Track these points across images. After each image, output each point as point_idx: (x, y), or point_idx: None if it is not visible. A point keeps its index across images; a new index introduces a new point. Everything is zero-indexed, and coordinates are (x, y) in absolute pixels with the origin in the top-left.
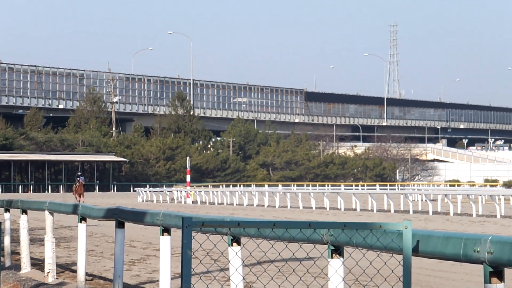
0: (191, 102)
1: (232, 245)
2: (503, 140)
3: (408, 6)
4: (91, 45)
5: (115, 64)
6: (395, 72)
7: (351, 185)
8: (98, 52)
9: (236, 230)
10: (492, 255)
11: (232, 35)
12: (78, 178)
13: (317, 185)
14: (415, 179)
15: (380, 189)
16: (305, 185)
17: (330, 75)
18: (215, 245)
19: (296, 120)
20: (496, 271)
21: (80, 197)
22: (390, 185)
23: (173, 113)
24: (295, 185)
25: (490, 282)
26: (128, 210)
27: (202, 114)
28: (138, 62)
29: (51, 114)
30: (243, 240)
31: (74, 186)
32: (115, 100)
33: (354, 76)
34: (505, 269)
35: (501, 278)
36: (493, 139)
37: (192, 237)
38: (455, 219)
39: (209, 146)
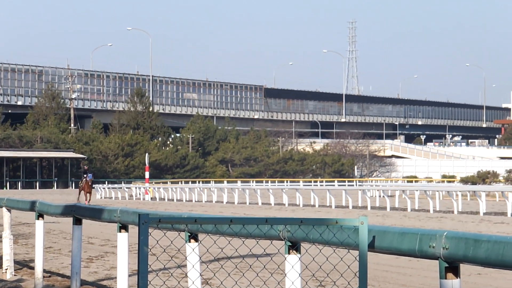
0: (150, 98)
1: (189, 242)
2: (460, 136)
3: (367, 3)
4: (50, 42)
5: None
6: (353, 68)
7: (310, 181)
8: (57, 48)
9: (193, 226)
10: (448, 250)
11: (191, 31)
12: (84, 175)
13: (276, 181)
14: (373, 175)
15: (339, 185)
16: (264, 181)
17: (289, 71)
18: (171, 242)
19: (255, 117)
20: (451, 267)
21: (87, 195)
22: (349, 181)
23: (132, 109)
24: (254, 182)
25: (445, 278)
26: (86, 207)
27: (161, 111)
28: (97, 58)
29: (9, 111)
30: (200, 236)
31: (80, 183)
32: (73, 96)
33: (313, 73)
34: (461, 264)
35: (456, 273)
36: (450, 135)
37: (149, 234)
38: (412, 215)
39: (168, 142)
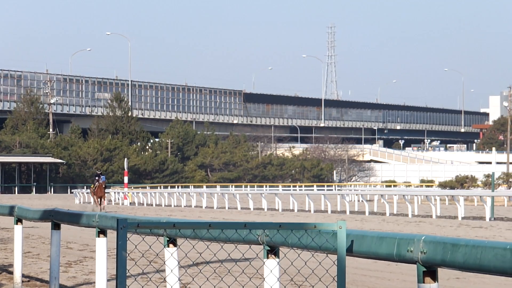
0: (129, 103)
1: (168, 246)
2: (439, 141)
3: (346, 8)
4: (28, 46)
5: (53, 65)
6: (332, 73)
7: (289, 186)
8: (36, 53)
9: (172, 231)
10: (426, 255)
11: (170, 36)
12: (97, 178)
13: (255, 186)
14: (352, 180)
15: (318, 189)
16: (243, 186)
17: (269, 76)
18: (150, 246)
19: (235, 121)
20: (429, 271)
21: (100, 200)
22: (328, 186)
23: (111, 114)
24: (233, 186)
25: (423, 282)
26: (64, 211)
27: (140, 115)
28: (76, 63)
29: None
30: (179, 241)
31: (92, 187)
32: (52, 101)
33: (292, 78)
34: (439, 269)
35: (434, 278)
36: (429, 140)
37: (128, 239)
38: (391, 219)
39: (147, 147)
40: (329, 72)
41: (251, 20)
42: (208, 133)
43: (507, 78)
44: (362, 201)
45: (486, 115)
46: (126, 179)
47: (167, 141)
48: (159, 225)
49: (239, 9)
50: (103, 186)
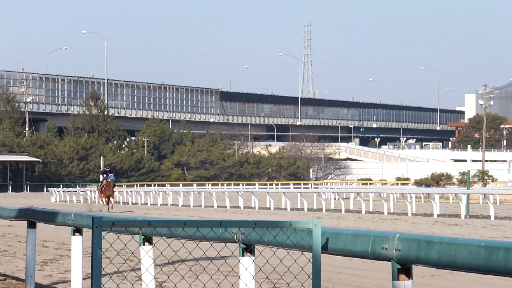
0: (106, 101)
1: (143, 245)
2: (414, 139)
3: (322, 7)
4: (4, 45)
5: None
6: (309, 72)
7: (266, 184)
8: (12, 51)
9: (147, 229)
10: (400, 252)
11: (146, 34)
12: (105, 175)
13: (232, 184)
14: (329, 178)
15: (294, 188)
16: (219, 184)
17: (245, 75)
18: (125, 245)
19: (211, 120)
20: (404, 268)
21: (108, 199)
22: (304, 184)
23: (87, 112)
24: (209, 185)
25: (398, 279)
26: (40, 210)
27: (116, 114)
28: (52, 61)
29: None
30: (155, 239)
31: (99, 186)
32: (28, 100)
33: (269, 76)
34: (414, 266)
35: (409, 275)
36: (404, 138)
37: (103, 237)
38: (367, 217)
39: (123, 146)
40: (306, 70)
41: (227, 19)
42: (184, 131)
43: (483, 77)
44: (338, 199)
45: (462, 113)
46: (102, 178)
47: (144, 139)
48: (135, 224)
49: (216, 8)
50: (112, 185)
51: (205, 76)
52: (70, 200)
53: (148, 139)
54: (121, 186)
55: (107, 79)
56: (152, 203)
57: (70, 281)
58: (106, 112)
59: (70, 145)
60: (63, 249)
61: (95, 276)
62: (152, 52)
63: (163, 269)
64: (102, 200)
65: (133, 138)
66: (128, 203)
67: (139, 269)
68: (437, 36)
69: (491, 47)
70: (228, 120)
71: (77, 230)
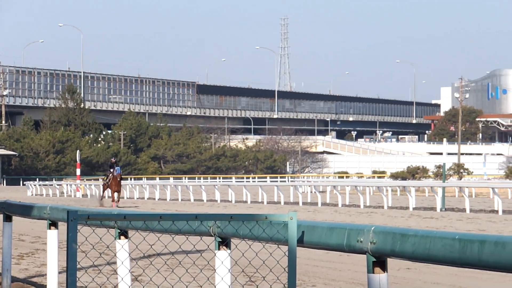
0: (82, 95)
1: (119, 238)
2: (390, 132)
3: (299, 0)
4: None
5: (5, 57)
6: (286, 65)
7: (242, 178)
8: None
9: (123, 223)
10: (375, 245)
11: (123, 27)
12: (111, 169)
13: (209, 177)
14: (305, 171)
15: (271, 181)
16: (196, 178)
17: (222, 68)
18: (100, 238)
19: (188, 113)
20: (379, 261)
21: (114, 194)
22: (281, 177)
23: (63, 106)
24: (186, 178)
25: (373, 272)
26: (16, 203)
27: (92, 107)
28: (28, 55)
29: None
30: (130, 233)
31: (105, 179)
32: (5, 93)
33: (245, 69)
34: (389, 259)
35: (384, 268)
36: (381, 131)
37: (78, 231)
38: (343, 210)
39: (99, 139)
40: (282, 63)
41: (204, 12)
42: (161, 124)
43: (459, 70)
44: (314, 192)
45: (438, 106)
46: (78, 171)
47: (120, 132)
48: (110, 217)
49: (193, 1)
50: (119, 179)
51: (182, 69)
52: (46, 193)
53: (125, 132)
54: (97, 179)
55: (84, 72)
56: (128, 197)
57: (46, 274)
58: (82, 105)
59: (47, 138)
60: (39, 242)
61: (70, 269)
62: (129, 45)
63: (139, 263)
64: (103, 192)
65: (109, 131)
66: (104, 197)
67: (115, 262)
68: (413, 29)
69: (466, 40)
70: (205, 113)
71: (53, 224)
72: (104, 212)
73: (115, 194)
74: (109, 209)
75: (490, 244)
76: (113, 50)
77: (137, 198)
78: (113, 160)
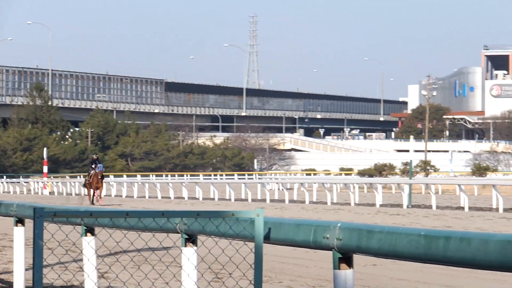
0: (50, 92)
1: (85, 235)
2: (358, 130)
3: None
4: None
5: None
6: (254, 63)
7: (210, 175)
8: None
9: (89, 220)
10: (341, 241)
11: (91, 25)
12: (93, 165)
13: (176, 175)
14: (273, 169)
15: (238, 178)
16: (164, 175)
17: (190, 65)
18: (67, 235)
19: (156, 111)
20: (345, 257)
21: (95, 191)
22: (248, 175)
23: (31, 103)
24: (154, 175)
25: (339, 268)
26: None
27: (60, 105)
28: None
29: None
30: (97, 230)
31: (87, 177)
32: None
33: (214, 67)
34: (355, 255)
35: (350, 264)
36: (348, 129)
37: (45, 228)
38: (310, 207)
39: (67, 136)
40: (251, 61)
41: (173, 9)
42: (129, 122)
43: (426, 68)
44: (282, 189)
45: (405, 104)
46: (45, 169)
47: (87, 130)
48: (76, 214)
49: None
50: (100, 176)
51: (150, 66)
52: (13, 191)
53: (92, 130)
54: (64, 177)
55: (52, 70)
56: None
57: (13, 271)
58: (50, 103)
59: (14, 136)
60: (6, 240)
61: (36, 266)
62: (97, 42)
63: (105, 260)
64: (88, 193)
65: (77, 129)
66: (71, 194)
67: (81, 259)
68: (380, 27)
69: (434, 38)
70: (173, 110)
71: (20, 221)
72: (70, 209)
73: (97, 191)
74: (76, 206)
75: (455, 240)
76: (81, 48)
77: (104, 196)
78: (94, 156)
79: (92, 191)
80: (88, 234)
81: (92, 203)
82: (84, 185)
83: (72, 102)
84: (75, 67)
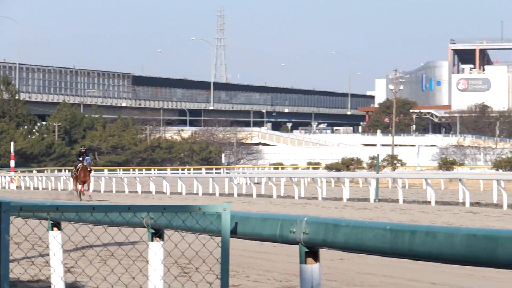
0: (17, 86)
1: (52, 230)
2: (326, 124)
3: None
4: None
5: None
6: (222, 56)
7: (178, 169)
8: None
9: (55, 214)
10: (308, 235)
11: (59, 19)
12: (80, 158)
13: (144, 169)
14: (241, 163)
15: (206, 172)
16: (131, 169)
17: (158, 59)
18: (33, 230)
19: (123, 104)
20: (311, 252)
21: (83, 185)
22: (216, 169)
23: None
24: (121, 170)
25: (305, 263)
26: None
27: (27, 99)
28: None
29: None
30: (63, 224)
31: (74, 170)
32: None
33: (181, 61)
34: (322, 249)
35: (316, 258)
36: (316, 123)
37: (11, 222)
38: (278, 202)
39: (34, 131)
40: (218, 55)
41: (140, 3)
42: (96, 116)
43: (393, 61)
44: (249, 183)
45: (372, 98)
46: (12, 163)
47: (54, 124)
48: (43, 208)
49: None
50: (89, 169)
51: (117, 60)
52: None
53: (59, 124)
54: (32, 171)
55: (19, 64)
56: (62, 189)
57: None
58: (17, 97)
59: None
60: None
61: (3, 261)
62: (64, 36)
63: (71, 254)
64: (75, 187)
65: (44, 123)
66: (38, 188)
67: (48, 254)
68: (348, 21)
69: (401, 32)
70: (140, 104)
71: None
72: (37, 203)
73: (85, 185)
74: (43, 201)
75: (421, 234)
76: (48, 42)
77: (71, 190)
78: (82, 149)
79: (79, 185)
80: (55, 228)
81: (80, 198)
82: (73, 179)
83: (39, 96)
84: (42, 61)
